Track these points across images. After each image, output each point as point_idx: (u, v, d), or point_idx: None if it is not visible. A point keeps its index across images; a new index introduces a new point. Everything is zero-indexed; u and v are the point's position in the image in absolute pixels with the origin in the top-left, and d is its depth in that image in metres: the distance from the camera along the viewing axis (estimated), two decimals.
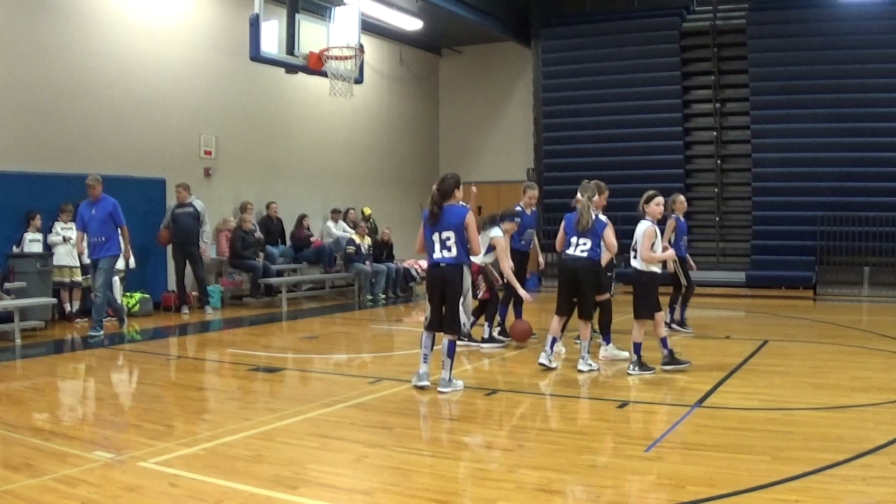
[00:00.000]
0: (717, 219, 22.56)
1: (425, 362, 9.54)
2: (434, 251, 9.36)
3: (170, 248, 17.13)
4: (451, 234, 9.22)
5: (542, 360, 10.51)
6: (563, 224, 10.57)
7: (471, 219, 9.31)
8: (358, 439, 7.36)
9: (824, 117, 21.36)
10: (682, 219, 13.69)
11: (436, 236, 9.31)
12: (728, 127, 23.26)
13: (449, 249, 9.25)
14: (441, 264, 9.33)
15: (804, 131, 21.55)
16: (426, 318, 9.58)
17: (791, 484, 5.95)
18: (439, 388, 9.35)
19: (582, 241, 10.27)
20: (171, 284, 17.29)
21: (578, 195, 10.58)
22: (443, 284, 9.36)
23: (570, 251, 10.32)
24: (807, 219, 20.97)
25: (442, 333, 9.45)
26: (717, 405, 8.69)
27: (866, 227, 20.62)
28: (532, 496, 5.82)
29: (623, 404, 8.76)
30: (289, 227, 20.58)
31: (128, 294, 16.27)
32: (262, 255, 18.71)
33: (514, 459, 6.72)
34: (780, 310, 17.11)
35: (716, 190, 22.68)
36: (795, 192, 21.20)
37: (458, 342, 9.91)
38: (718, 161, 22.96)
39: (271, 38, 13.55)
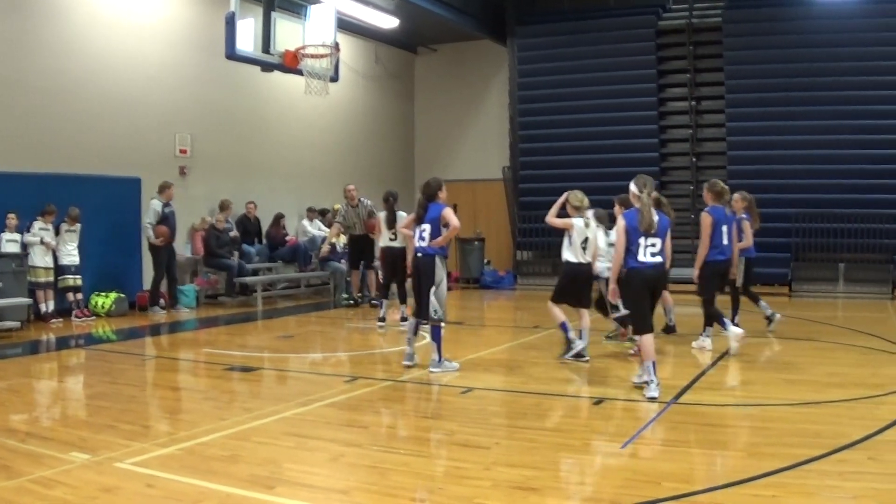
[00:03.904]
0: (693, 216, 22.59)
1: (409, 345, 10.79)
2: (416, 241, 10.59)
3: (147, 246, 16.97)
4: (427, 226, 10.44)
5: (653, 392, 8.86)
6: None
7: (447, 210, 10.47)
8: (334, 438, 7.36)
9: (799, 115, 21.46)
10: None
11: (416, 229, 10.58)
12: (703, 125, 23.31)
13: (423, 240, 10.46)
14: (418, 254, 10.51)
15: (779, 129, 21.64)
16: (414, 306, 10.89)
17: (768, 479, 5.98)
18: (429, 369, 10.39)
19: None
20: (147, 284, 17.16)
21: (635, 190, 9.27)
22: (419, 273, 10.49)
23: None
24: (782, 216, 21.04)
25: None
26: (693, 402, 8.71)
27: (841, 223, 20.74)
28: (508, 493, 5.83)
29: (599, 401, 8.77)
30: (265, 226, 20.54)
31: (103, 294, 16.22)
32: (236, 253, 18.66)
33: (490, 457, 6.71)
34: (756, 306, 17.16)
35: (691, 188, 22.71)
36: (771, 189, 21.23)
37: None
38: (694, 159, 23.02)
39: (247, 37, 13.51)
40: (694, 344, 11.98)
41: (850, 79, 20.98)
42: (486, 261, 24.52)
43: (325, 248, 18.07)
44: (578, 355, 10.95)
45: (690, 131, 23.11)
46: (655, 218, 8.94)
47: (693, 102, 23.09)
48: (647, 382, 8.80)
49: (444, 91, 27.27)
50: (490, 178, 25.49)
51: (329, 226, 20.74)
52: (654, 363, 8.88)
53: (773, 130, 21.72)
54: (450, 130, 27.14)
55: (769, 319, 13.63)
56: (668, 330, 13.25)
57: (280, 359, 12.00)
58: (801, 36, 21.61)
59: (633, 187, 9.21)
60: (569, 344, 11.03)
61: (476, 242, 24.43)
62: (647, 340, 8.96)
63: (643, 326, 9.04)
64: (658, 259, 9.00)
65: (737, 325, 13.14)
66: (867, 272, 20.68)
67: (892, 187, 20.46)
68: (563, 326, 11.05)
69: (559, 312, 11.11)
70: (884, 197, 20.44)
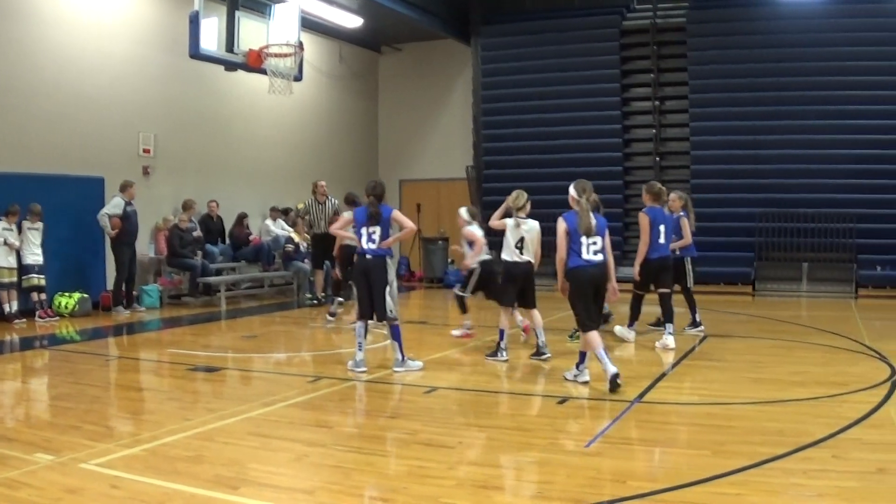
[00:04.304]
0: None
1: (360, 350, 10.48)
2: (362, 243, 10.38)
3: (109, 245, 16.86)
4: (378, 228, 10.30)
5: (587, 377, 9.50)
6: None
7: (397, 213, 10.61)
8: (298, 438, 7.34)
9: (762, 115, 21.63)
10: None
11: (364, 230, 10.36)
12: (667, 125, 23.42)
13: (374, 242, 10.31)
14: (367, 255, 10.37)
15: (742, 129, 21.80)
16: (357, 309, 10.76)
17: (732, 478, 6.02)
18: (393, 368, 10.45)
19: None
20: (111, 284, 17.02)
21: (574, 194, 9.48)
22: (368, 274, 10.38)
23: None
24: (746, 215, 21.24)
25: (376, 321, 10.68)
26: (657, 400, 8.76)
27: (805, 223, 20.92)
28: (472, 492, 5.84)
29: (563, 400, 8.80)
30: (228, 226, 20.45)
31: (67, 294, 16.10)
32: (200, 253, 18.56)
33: (454, 456, 6.73)
34: (720, 305, 17.26)
35: None
36: (734, 189, 21.42)
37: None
38: (657, 158, 23.11)
39: (211, 36, 13.46)
40: (657, 343, 12.07)
41: (813, 79, 21.17)
42: (449, 260, 24.50)
43: (303, 235, 18.16)
44: (541, 353, 11.19)
45: (654, 131, 23.21)
46: (593, 222, 9.24)
47: (657, 102, 23.20)
48: (606, 370, 8.98)
49: (408, 90, 27.18)
50: (454, 178, 25.48)
51: (292, 225, 20.70)
52: (604, 349, 9.13)
53: (736, 130, 21.87)
54: (414, 130, 27.07)
55: (656, 324, 13.59)
56: (605, 318, 13.53)
57: (244, 359, 11.95)
58: (764, 36, 21.77)
59: (572, 191, 9.46)
60: (497, 347, 11.28)
61: (440, 242, 24.39)
62: (593, 336, 9.18)
63: (588, 324, 9.25)
64: (600, 257, 9.30)
65: (698, 323, 13.34)
66: (830, 271, 20.84)
67: (855, 187, 20.68)
68: (501, 333, 11.27)
69: (504, 318, 11.35)
70: (847, 197, 20.62)
